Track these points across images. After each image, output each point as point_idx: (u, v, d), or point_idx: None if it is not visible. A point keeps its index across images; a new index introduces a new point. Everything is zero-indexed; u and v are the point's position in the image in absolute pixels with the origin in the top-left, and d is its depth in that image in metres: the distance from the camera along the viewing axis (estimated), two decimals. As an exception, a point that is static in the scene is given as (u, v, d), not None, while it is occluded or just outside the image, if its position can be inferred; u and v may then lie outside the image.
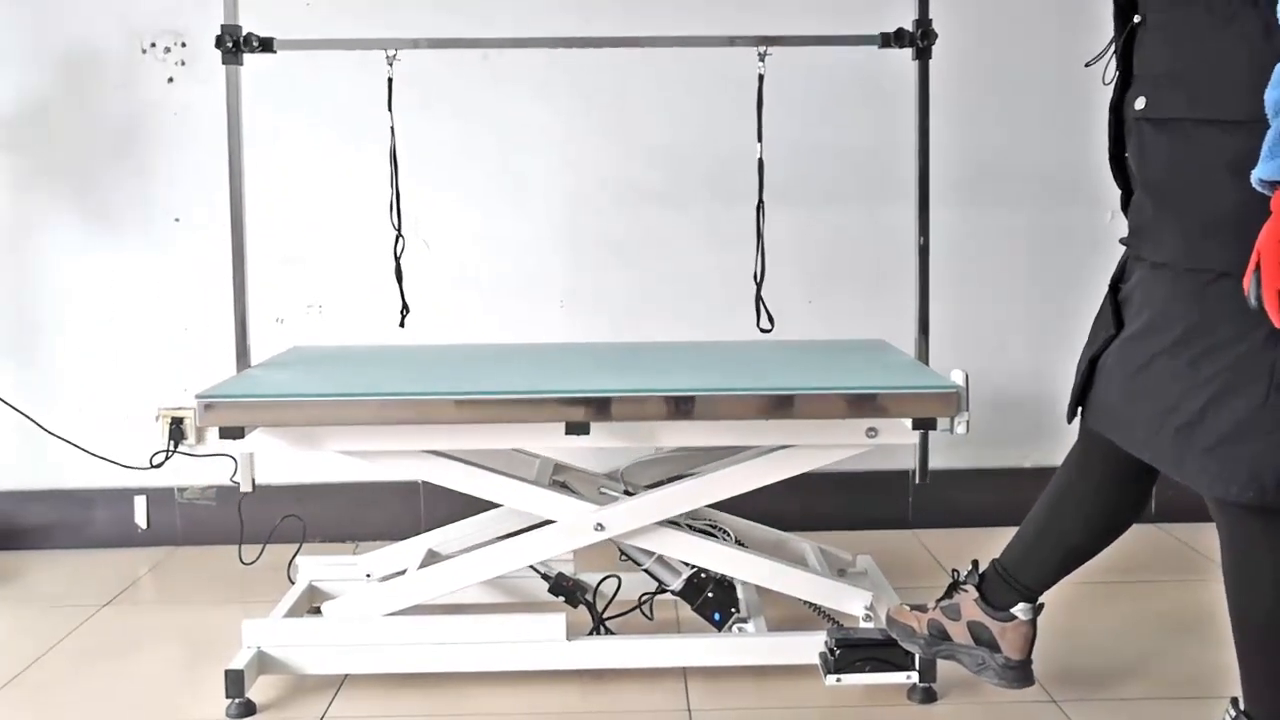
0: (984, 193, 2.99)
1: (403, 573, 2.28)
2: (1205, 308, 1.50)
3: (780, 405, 1.99)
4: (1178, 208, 1.53)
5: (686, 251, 2.98)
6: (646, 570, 2.24)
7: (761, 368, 2.20)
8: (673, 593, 2.24)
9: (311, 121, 2.94)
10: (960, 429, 1.99)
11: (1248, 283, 1.39)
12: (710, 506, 2.40)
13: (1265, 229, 1.37)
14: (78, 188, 2.94)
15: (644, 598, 2.32)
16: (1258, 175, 1.35)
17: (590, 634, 2.22)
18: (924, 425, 2.01)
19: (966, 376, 1.99)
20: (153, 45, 2.90)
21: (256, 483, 2.94)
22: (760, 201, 2.33)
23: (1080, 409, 1.74)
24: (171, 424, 3.01)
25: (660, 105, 2.95)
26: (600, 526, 2.11)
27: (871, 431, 2.03)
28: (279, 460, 2.99)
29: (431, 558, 2.33)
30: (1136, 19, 1.61)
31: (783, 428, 2.06)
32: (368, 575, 2.42)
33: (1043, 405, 2.99)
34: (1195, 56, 1.49)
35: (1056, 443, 1.87)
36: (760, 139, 2.30)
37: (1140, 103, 1.58)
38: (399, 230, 2.35)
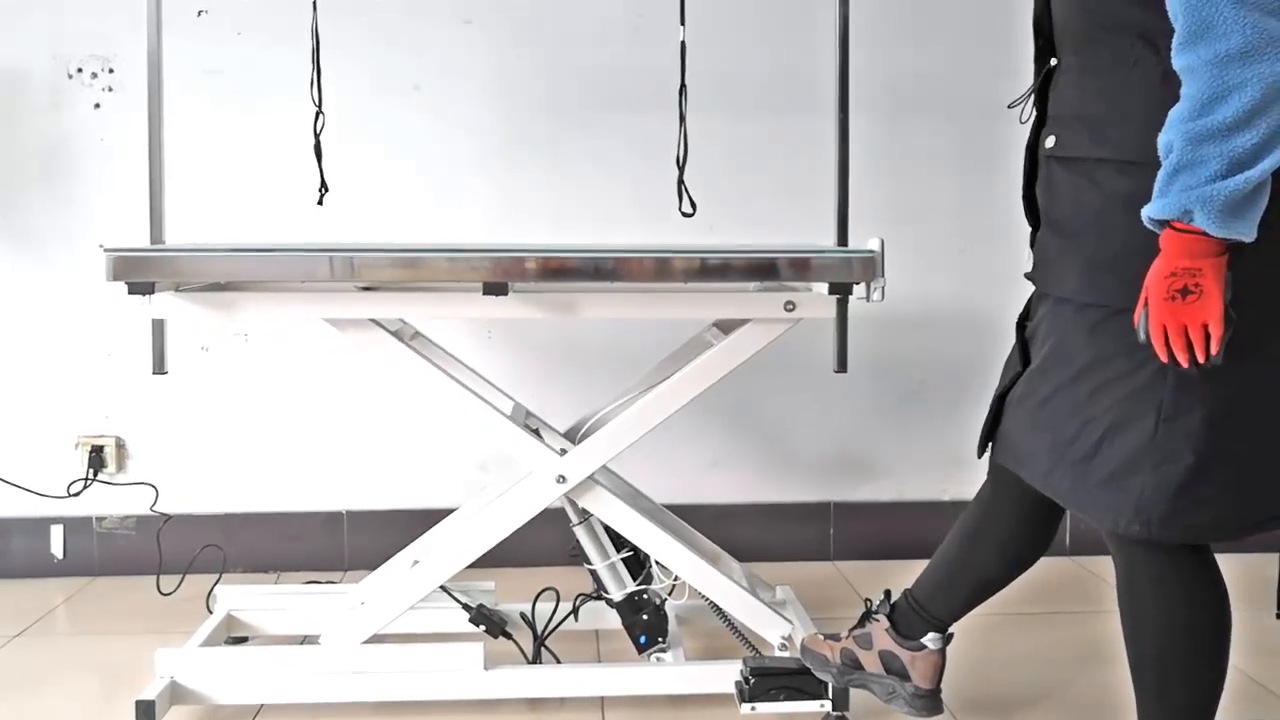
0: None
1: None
2: (1102, 342, 1.55)
3: (699, 268, 2.00)
4: (1078, 244, 1.58)
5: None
6: (594, 572, 2.24)
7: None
8: (609, 602, 2.25)
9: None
10: (876, 295, 2.02)
11: (1137, 317, 1.45)
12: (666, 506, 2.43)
13: (1153, 266, 1.43)
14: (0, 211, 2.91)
15: (579, 599, 2.33)
16: (1147, 213, 1.42)
17: (533, 657, 2.25)
18: (841, 290, 2.03)
19: (882, 243, 2.03)
20: (79, 70, 2.89)
21: (176, 513, 2.94)
22: (683, 85, 2.35)
23: (990, 444, 1.79)
24: (91, 452, 2.99)
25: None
26: (562, 479, 2.10)
27: (790, 305, 2.05)
28: (200, 488, 2.98)
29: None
30: (1054, 62, 1.68)
31: (702, 301, 2.08)
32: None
33: (964, 436, 3.06)
34: (1100, 98, 1.55)
35: (975, 475, 1.91)
36: (683, 22, 2.34)
37: (1050, 141, 1.64)
38: (319, 107, 2.34)
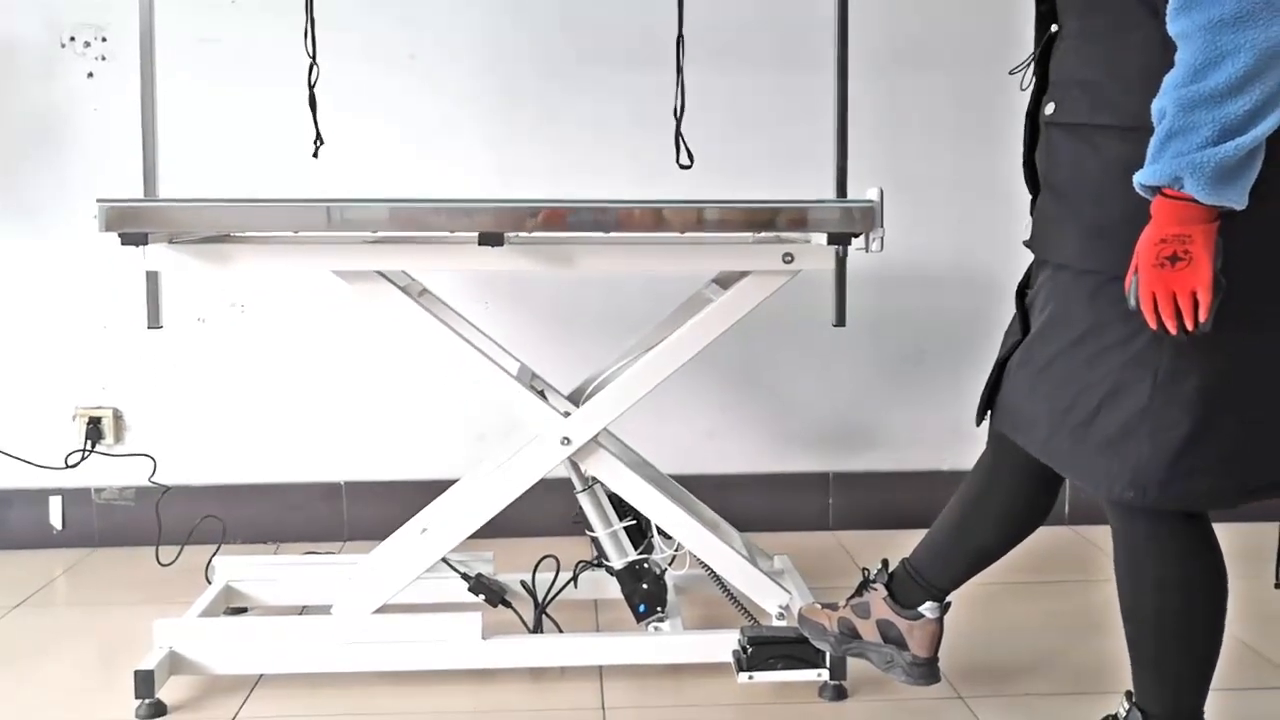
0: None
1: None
2: (1099, 309, 1.55)
3: (697, 220, 1.99)
4: (1076, 210, 1.57)
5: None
6: (596, 539, 2.24)
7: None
8: (609, 570, 2.25)
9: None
10: (875, 246, 2.01)
11: (1128, 284, 1.45)
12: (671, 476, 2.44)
13: (1144, 232, 1.42)
14: (-7, 182, 2.90)
15: (579, 566, 2.34)
16: (1139, 179, 1.41)
17: (534, 625, 2.27)
18: (840, 240, 2.01)
19: (881, 192, 2.01)
20: (72, 39, 2.86)
21: (175, 484, 2.94)
22: (680, 35, 2.34)
23: (990, 412, 1.78)
24: (89, 423, 2.98)
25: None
26: (567, 440, 2.09)
27: (788, 257, 2.03)
28: (198, 459, 2.98)
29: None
30: (1054, 28, 1.66)
31: (700, 253, 2.07)
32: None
33: (963, 406, 3.05)
34: (1100, 64, 1.54)
35: (973, 445, 1.91)
36: None
37: (1050, 108, 1.62)
38: (313, 58, 2.32)
